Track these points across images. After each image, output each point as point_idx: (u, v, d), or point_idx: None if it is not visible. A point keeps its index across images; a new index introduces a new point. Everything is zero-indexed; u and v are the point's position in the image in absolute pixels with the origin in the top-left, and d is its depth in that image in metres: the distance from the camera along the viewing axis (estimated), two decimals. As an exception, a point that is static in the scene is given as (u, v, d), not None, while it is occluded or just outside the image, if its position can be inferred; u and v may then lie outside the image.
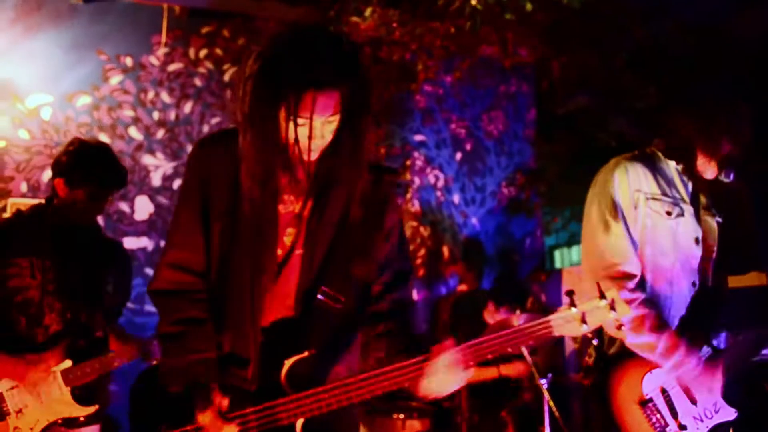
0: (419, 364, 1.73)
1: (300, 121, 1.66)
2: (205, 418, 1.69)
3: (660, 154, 2.46)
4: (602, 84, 5.19)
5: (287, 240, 1.82)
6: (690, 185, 2.44)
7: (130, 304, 4.91)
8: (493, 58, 5.94)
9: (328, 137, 1.73)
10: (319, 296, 1.79)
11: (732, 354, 2.36)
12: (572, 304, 1.72)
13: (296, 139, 1.68)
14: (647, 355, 2.26)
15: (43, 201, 3.05)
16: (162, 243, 5.16)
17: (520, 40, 5.50)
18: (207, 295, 1.81)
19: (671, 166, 2.44)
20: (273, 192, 1.79)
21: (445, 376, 1.73)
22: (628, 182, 2.35)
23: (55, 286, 2.86)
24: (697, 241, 2.39)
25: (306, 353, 1.75)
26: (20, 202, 4.77)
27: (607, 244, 2.32)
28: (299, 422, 1.73)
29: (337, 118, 1.70)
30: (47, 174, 4.92)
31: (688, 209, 2.39)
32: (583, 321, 1.71)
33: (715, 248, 2.47)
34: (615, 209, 2.33)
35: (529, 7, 4.40)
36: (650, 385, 2.27)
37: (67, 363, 2.79)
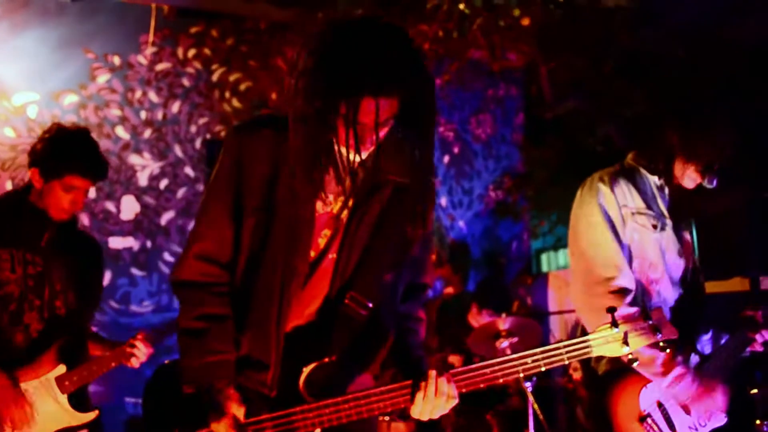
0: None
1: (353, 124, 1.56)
2: (219, 427, 1.62)
3: (640, 168, 2.47)
4: (590, 89, 5.22)
5: (321, 242, 1.73)
6: (668, 199, 2.45)
7: (114, 304, 4.91)
8: (481, 61, 5.96)
9: (379, 139, 1.61)
10: (347, 302, 1.71)
11: (719, 359, 2.38)
12: (614, 324, 1.62)
13: (352, 142, 1.56)
14: (644, 370, 2.25)
15: (17, 188, 2.85)
16: (148, 243, 5.14)
17: (509, 45, 5.52)
18: (230, 290, 1.73)
19: (650, 181, 2.45)
20: (312, 193, 1.67)
21: (431, 403, 1.63)
22: (615, 198, 2.35)
23: (35, 282, 2.64)
24: (680, 253, 2.41)
25: (326, 360, 1.68)
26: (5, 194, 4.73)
27: (602, 261, 2.30)
28: None
29: (391, 120, 1.60)
30: (33, 172, 4.88)
31: (669, 223, 2.41)
32: (625, 342, 1.62)
33: (693, 259, 2.50)
34: (606, 225, 2.32)
35: (516, 12, 4.41)
36: (647, 400, 2.28)
37: (62, 368, 2.60)
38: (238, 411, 1.64)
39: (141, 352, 2.72)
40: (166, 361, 1.87)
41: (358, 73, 1.50)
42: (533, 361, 1.65)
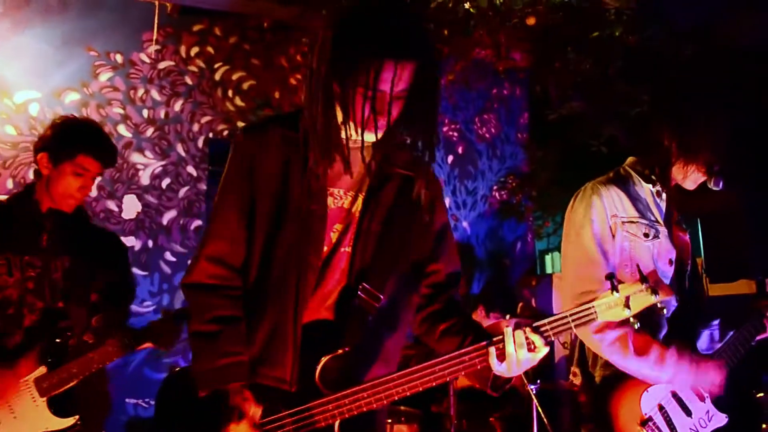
0: (483, 350, 1.66)
1: (371, 93, 1.59)
2: (239, 429, 1.61)
3: (635, 176, 2.45)
4: (595, 90, 5.19)
5: (333, 236, 1.75)
6: (664, 206, 2.44)
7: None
8: (486, 61, 5.93)
9: (394, 114, 1.66)
10: (360, 293, 1.72)
11: (728, 347, 2.38)
12: (615, 289, 1.70)
13: (371, 111, 1.60)
14: (640, 375, 2.26)
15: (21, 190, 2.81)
16: (150, 242, 5.11)
17: (514, 45, 5.49)
18: (242, 292, 1.74)
19: (646, 188, 2.44)
20: (323, 185, 1.72)
21: (518, 355, 1.65)
22: (604, 209, 2.34)
23: (35, 284, 2.61)
24: (670, 262, 2.40)
25: (340, 351, 1.68)
26: (5, 199, 4.71)
27: (585, 273, 2.30)
28: (336, 424, 1.66)
29: (405, 95, 1.65)
30: (34, 171, 4.86)
31: (663, 231, 2.39)
32: (627, 305, 1.69)
33: (690, 260, 2.49)
34: (593, 240, 2.32)
35: (521, 12, 4.39)
36: (648, 403, 2.27)
37: (41, 370, 2.53)
38: (256, 411, 1.64)
39: (117, 351, 2.60)
40: (176, 368, 1.85)
41: (380, 38, 1.56)
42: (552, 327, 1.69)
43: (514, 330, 1.65)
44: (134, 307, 4.89)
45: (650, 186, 2.43)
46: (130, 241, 5.06)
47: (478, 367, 1.67)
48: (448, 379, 1.68)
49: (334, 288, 1.75)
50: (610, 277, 1.71)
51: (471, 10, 4.47)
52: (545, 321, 1.69)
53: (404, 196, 1.78)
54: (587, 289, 2.25)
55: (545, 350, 1.67)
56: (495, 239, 6.33)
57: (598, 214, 2.34)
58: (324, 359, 1.67)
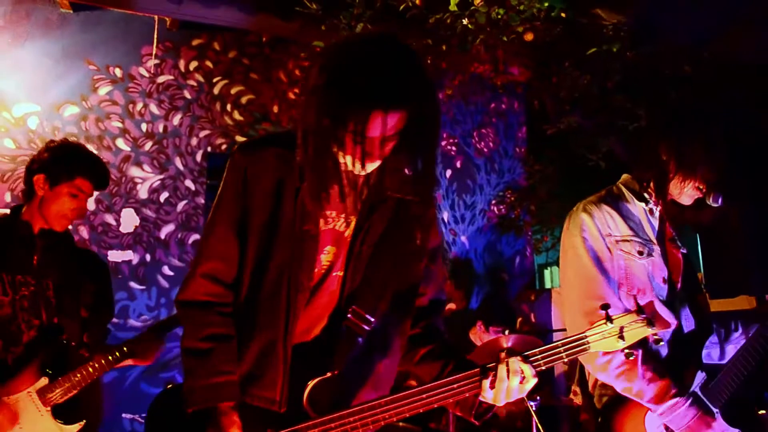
0: (475, 378, 1.66)
1: (360, 138, 1.60)
2: None
3: (627, 194, 2.45)
4: (593, 104, 5.20)
5: (324, 258, 1.74)
6: (656, 224, 2.43)
7: (113, 319, 4.85)
8: (484, 76, 5.95)
9: (385, 154, 1.67)
10: (349, 316, 1.72)
11: (723, 382, 2.32)
12: (609, 319, 1.67)
13: (358, 155, 1.61)
14: (639, 399, 2.23)
15: (6, 212, 2.88)
16: (147, 256, 5.10)
17: (512, 59, 5.51)
18: (234, 309, 1.74)
19: (639, 207, 2.43)
20: (318, 209, 1.72)
21: (510, 383, 1.64)
22: (597, 228, 2.34)
23: (30, 302, 2.68)
24: (664, 280, 2.39)
25: (329, 374, 1.68)
26: (3, 212, 4.69)
27: (586, 292, 2.29)
28: None
29: (397, 135, 1.64)
30: (32, 184, 4.85)
31: (656, 249, 2.39)
32: (621, 336, 1.67)
33: (679, 280, 2.46)
34: (590, 258, 2.31)
35: (519, 28, 4.40)
36: (652, 425, 2.24)
37: (43, 381, 2.62)
38: None
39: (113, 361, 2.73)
40: (169, 386, 1.85)
41: (368, 88, 1.55)
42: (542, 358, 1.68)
43: (508, 357, 1.64)
44: (132, 321, 4.87)
45: (643, 204, 2.43)
46: (127, 254, 5.05)
47: (467, 395, 1.66)
48: (435, 406, 1.66)
49: (325, 310, 1.75)
50: (605, 307, 1.69)
51: (469, 26, 4.49)
52: (537, 350, 1.67)
53: (397, 219, 1.78)
54: (594, 307, 2.23)
55: (533, 381, 1.65)
56: (493, 254, 6.32)
57: (590, 233, 2.33)
58: (312, 382, 1.67)
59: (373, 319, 1.73)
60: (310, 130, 1.63)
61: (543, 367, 1.67)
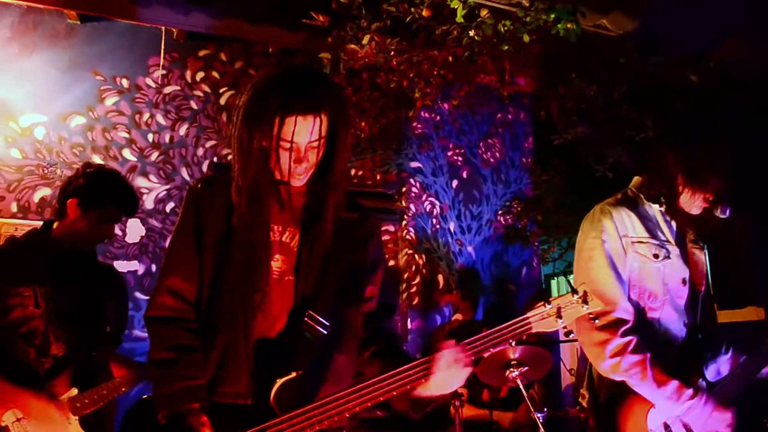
0: (424, 366, 1.77)
1: (284, 144, 1.81)
2: None
3: (642, 197, 2.46)
4: (600, 115, 5.19)
5: (275, 265, 1.90)
6: (674, 225, 2.43)
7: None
8: (490, 86, 5.95)
9: (313, 161, 1.87)
10: (306, 320, 1.84)
11: (735, 378, 2.36)
12: (546, 301, 1.84)
13: (279, 161, 1.83)
14: (650, 396, 2.26)
15: (37, 226, 2.99)
16: (153, 267, 5.09)
17: (518, 70, 5.51)
18: (197, 324, 1.87)
19: (654, 209, 2.44)
20: (263, 217, 1.89)
21: (447, 374, 1.76)
22: (616, 229, 2.35)
23: (58, 315, 2.76)
24: (684, 281, 2.38)
25: (293, 374, 1.78)
26: (9, 222, 4.70)
27: (599, 294, 2.24)
28: None
29: (320, 144, 1.85)
30: (38, 194, 4.86)
31: (674, 251, 2.39)
32: (559, 316, 1.83)
33: (704, 281, 2.47)
34: (606, 260, 2.32)
35: (526, 38, 4.39)
36: (654, 421, 2.26)
37: (73, 391, 2.71)
38: None
39: None
40: (144, 396, 1.91)
41: (284, 94, 1.78)
42: (484, 342, 1.83)
43: (450, 350, 1.77)
44: (137, 332, 4.85)
45: (657, 206, 2.44)
46: (133, 265, 5.04)
47: (423, 381, 1.77)
48: (395, 393, 1.77)
49: (281, 313, 1.88)
50: (542, 293, 1.79)
51: (476, 37, 4.49)
52: (481, 335, 1.81)
53: (339, 233, 1.95)
54: (603, 310, 2.24)
55: (467, 370, 1.78)
56: (500, 264, 6.29)
57: (610, 234, 2.35)
58: (279, 381, 1.77)
59: (327, 323, 1.85)
60: (238, 143, 1.84)
61: (491, 351, 1.82)
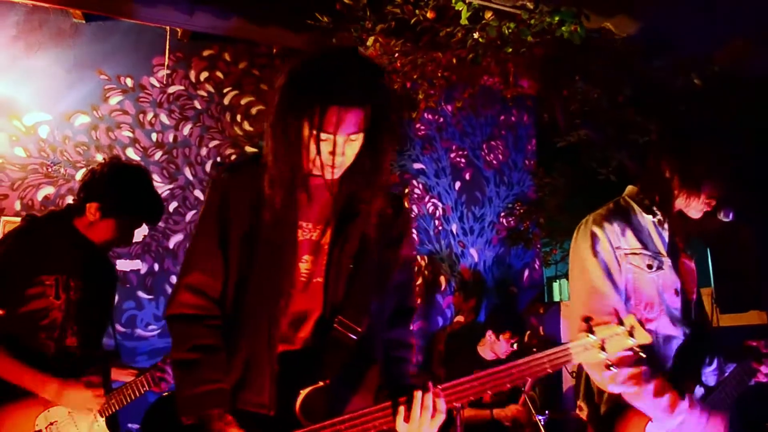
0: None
1: (323, 136, 1.65)
2: None
3: (635, 206, 2.43)
4: (604, 118, 5.18)
5: (303, 267, 1.78)
6: (666, 236, 2.41)
7: (120, 328, 4.85)
8: (494, 88, 5.95)
9: (351, 156, 1.72)
10: (336, 326, 1.75)
11: (723, 390, 2.36)
12: (590, 331, 1.70)
13: (318, 153, 1.67)
14: (644, 409, 2.24)
15: (57, 209, 2.87)
16: (156, 266, 5.10)
17: (522, 72, 5.51)
18: (222, 322, 1.77)
19: (647, 219, 2.41)
20: (293, 215, 1.77)
21: (422, 419, 1.62)
22: (609, 241, 2.32)
23: (75, 308, 2.63)
24: (677, 292, 2.37)
25: (321, 383, 1.69)
26: (13, 220, 4.71)
27: (596, 306, 2.27)
28: None
29: (359, 137, 1.69)
30: (42, 192, 4.87)
31: (667, 262, 2.37)
32: (602, 348, 1.69)
33: (695, 290, 2.46)
34: (601, 271, 2.29)
35: (529, 38, 4.39)
36: None
37: (100, 392, 2.62)
38: None
39: (171, 376, 2.72)
40: (165, 393, 1.86)
41: (326, 85, 1.62)
42: (519, 372, 1.67)
43: (423, 394, 1.62)
44: (139, 331, 4.86)
45: (651, 216, 2.41)
46: (136, 264, 5.05)
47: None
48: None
49: (309, 318, 1.78)
50: (588, 320, 1.71)
51: (480, 39, 4.49)
52: (521, 361, 1.66)
53: (373, 231, 1.82)
54: (602, 322, 2.24)
55: (441, 416, 1.63)
56: (502, 266, 6.29)
57: (602, 245, 2.31)
58: (305, 391, 1.68)
59: (360, 330, 1.76)
60: (272, 132, 1.70)
61: (528, 380, 1.66)
